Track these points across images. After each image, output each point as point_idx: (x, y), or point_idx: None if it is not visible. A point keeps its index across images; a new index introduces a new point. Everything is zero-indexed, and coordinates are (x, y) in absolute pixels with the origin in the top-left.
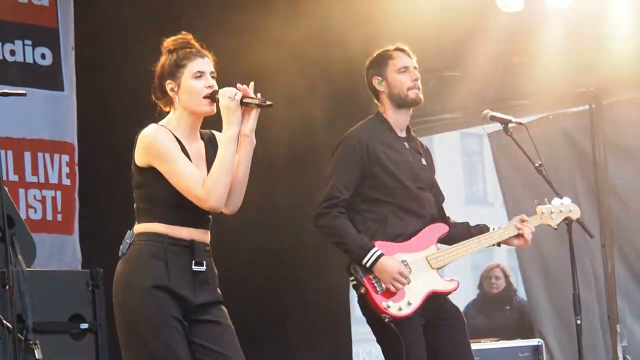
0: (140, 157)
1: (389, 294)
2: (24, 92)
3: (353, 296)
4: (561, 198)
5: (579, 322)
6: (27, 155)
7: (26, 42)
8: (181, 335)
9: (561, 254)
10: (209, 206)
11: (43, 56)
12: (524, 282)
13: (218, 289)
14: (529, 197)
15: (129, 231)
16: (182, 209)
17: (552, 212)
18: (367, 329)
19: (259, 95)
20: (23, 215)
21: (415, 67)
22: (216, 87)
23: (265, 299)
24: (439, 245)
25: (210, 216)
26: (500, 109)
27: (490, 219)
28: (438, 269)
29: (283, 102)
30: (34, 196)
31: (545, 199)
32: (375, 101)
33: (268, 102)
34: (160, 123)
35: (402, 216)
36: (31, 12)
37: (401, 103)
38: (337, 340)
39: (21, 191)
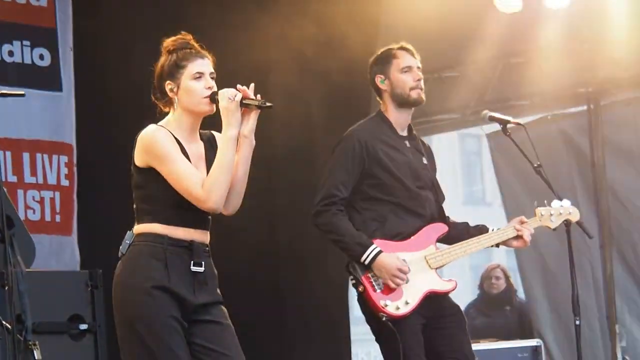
0: (140, 158)
1: (387, 292)
2: (22, 92)
3: (352, 297)
4: (561, 200)
5: (578, 322)
6: (26, 156)
7: (24, 42)
8: (180, 335)
9: (560, 255)
10: (208, 207)
11: (41, 57)
12: (523, 283)
13: (218, 289)
14: (527, 198)
15: (128, 232)
16: (182, 210)
17: (551, 215)
18: (366, 329)
19: (258, 96)
20: (22, 216)
21: (418, 67)
22: (215, 88)
23: (265, 298)
24: (437, 245)
25: (209, 217)
26: (499, 110)
27: (489, 219)
28: (437, 268)
29: (283, 102)
30: (33, 197)
31: (545, 200)
32: (377, 99)
33: (268, 104)
34: (159, 124)
35: (401, 215)
36: (29, 13)
37: (403, 102)
38: (336, 340)
39: (20, 192)
